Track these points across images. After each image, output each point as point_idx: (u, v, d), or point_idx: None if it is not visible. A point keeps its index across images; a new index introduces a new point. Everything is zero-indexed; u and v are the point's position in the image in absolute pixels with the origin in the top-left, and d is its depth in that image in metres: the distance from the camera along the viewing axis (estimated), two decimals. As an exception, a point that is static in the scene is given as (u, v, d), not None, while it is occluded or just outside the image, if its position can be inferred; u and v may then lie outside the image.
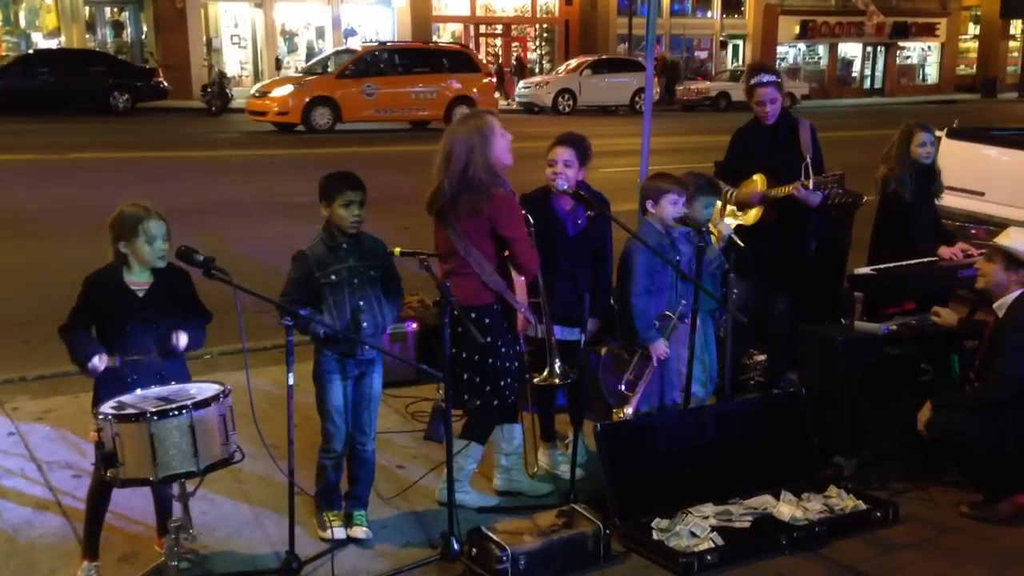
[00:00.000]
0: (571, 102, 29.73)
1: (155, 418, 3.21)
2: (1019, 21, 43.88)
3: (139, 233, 3.66)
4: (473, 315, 4.18)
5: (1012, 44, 46.25)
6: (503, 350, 4.29)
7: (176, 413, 3.24)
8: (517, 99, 30.85)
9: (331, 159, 15.32)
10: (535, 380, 4.47)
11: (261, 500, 4.48)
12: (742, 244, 4.91)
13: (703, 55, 40.11)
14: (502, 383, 4.30)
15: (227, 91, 26.61)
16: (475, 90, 23.92)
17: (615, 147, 15.80)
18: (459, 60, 24.71)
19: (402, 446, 5.15)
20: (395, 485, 4.67)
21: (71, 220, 10.25)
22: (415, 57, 24.50)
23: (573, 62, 31.90)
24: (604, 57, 32.36)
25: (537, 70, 35.15)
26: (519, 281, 4.32)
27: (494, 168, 4.14)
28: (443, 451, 4.08)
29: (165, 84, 26.27)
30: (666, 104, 31.80)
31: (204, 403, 3.32)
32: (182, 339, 3.74)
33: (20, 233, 10.31)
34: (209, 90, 26.35)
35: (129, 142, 18.52)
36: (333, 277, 4.00)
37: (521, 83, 31.71)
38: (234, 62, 32.29)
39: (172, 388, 3.49)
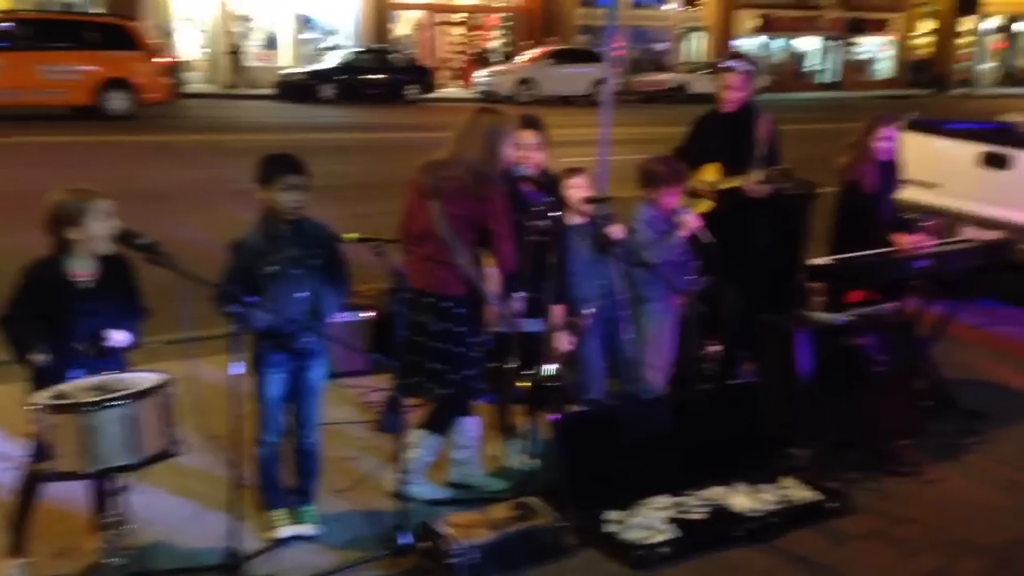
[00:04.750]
0: (531, 91, 29.65)
1: (91, 409, 3.08)
2: (971, 18, 44.44)
3: (89, 214, 3.52)
4: (444, 304, 4.12)
5: (964, 41, 46.89)
6: (469, 340, 4.22)
7: (114, 404, 3.11)
8: (477, 87, 30.70)
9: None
10: (521, 378, 4.39)
11: (204, 494, 4.34)
12: (710, 239, 4.80)
13: (662, 47, 40.17)
14: (466, 372, 4.22)
15: (180, 76, 26.12)
16: (134, 72, 19.73)
17: (575, 136, 15.70)
18: (114, 36, 19.94)
19: (355, 437, 5.05)
20: (346, 477, 4.58)
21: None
22: (51, 30, 19.84)
23: (535, 51, 31.81)
24: (565, 47, 32.30)
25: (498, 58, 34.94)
26: (492, 272, 4.24)
27: (501, 168, 4.13)
28: (396, 442, 3.98)
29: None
30: (624, 95, 31.82)
31: (143, 393, 3.19)
32: (121, 337, 3.60)
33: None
34: (162, 74, 25.79)
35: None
36: (272, 267, 3.83)
37: (482, 72, 31.55)
38: (189, 46, 31.72)
39: (111, 377, 3.35)
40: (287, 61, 32.24)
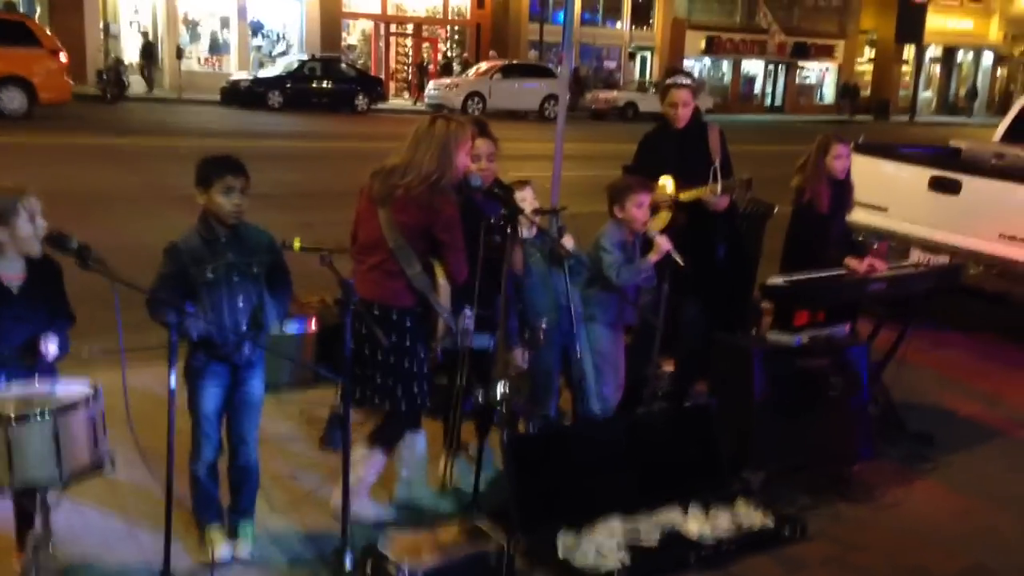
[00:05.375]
0: (481, 105, 29.61)
1: (13, 422, 2.87)
2: (912, 47, 45.50)
3: (18, 212, 3.31)
4: (394, 316, 3.97)
5: (904, 68, 48.00)
6: (421, 355, 4.07)
7: (38, 417, 2.91)
8: (427, 100, 30.58)
9: None
10: (480, 399, 4.24)
11: (137, 511, 4.12)
12: (681, 263, 4.68)
13: (612, 65, 40.47)
14: (415, 387, 4.07)
15: (124, 78, 25.64)
16: (34, 71, 18.84)
17: (525, 151, 15.69)
18: (13, 32, 19.02)
19: (296, 453, 4.85)
20: (287, 495, 4.39)
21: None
22: None
23: (484, 65, 31.83)
24: (515, 62, 32.37)
25: (455, 70, 34.86)
26: (444, 285, 4.08)
27: (455, 177, 3.98)
28: (340, 459, 3.81)
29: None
30: (575, 112, 31.97)
31: (70, 406, 2.99)
32: (52, 347, 3.39)
33: None
34: (104, 77, 25.34)
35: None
36: (210, 274, 3.62)
37: (431, 84, 31.45)
38: (133, 49, 31.15)
39: (35, 388, 3.14)
40: (235, 67, 31.82)
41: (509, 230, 4.07)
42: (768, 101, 45.00)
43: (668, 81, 5.49)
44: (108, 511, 4.15)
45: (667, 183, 5.27)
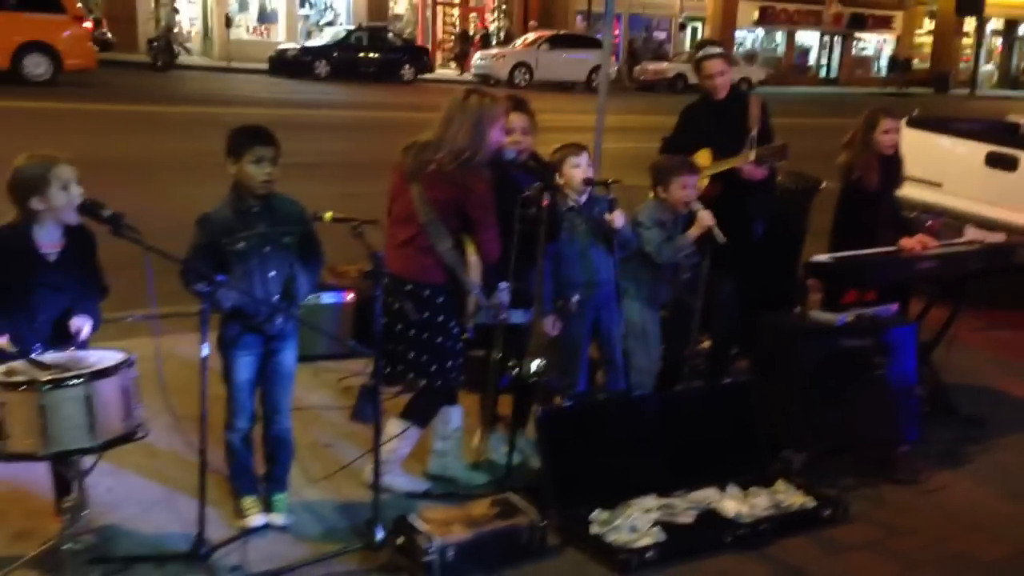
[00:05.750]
0: (527, 76, 29.40)
1: (47, 387, 2.89)
2: (973, 19, 44.29)
3: (52, 181, 3.32)
4: (425, 292, 3.93)
5: (965, 41, 46.77)
6: (454, 330, 4.03)
7: (71, 383, 2.92)
8: (473, 70, 30.43)
9: None
10: (505, 369, 4.20)
11: (175, 478, 4.14)
12: (723, 239, 4.59)
13: (661, 36, 39.93)
14: (449, 363, 4.04)
15: (174, 47, 25.83)
16: (59, 36, 18.62)
17: (572, 123, 15.54)
18: None
19: (333, 424, 4.86)
20: (322, 465, 4.39)
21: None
22: None
23: (531, 36, 31.54)
24: (562, 32, 32.04)
25: (494, 41, 34.60)
26: (475, 261, 4.03)
27: (488, 153, 3.91)
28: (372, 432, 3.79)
29: (109, 35, 25.38)
30: (624, 84, 31.62)
31: (104, 372, 2.99)
32: (84, 327, 3.39)
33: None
34: (155, 44, 25.55)
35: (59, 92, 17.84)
36: (241, 244, 3.61)
37: (478, 54, 31.27)
38: (184, 17, 31.36)
39: (70, 355, 3.15)
40: (283, 36, 31.91)
41: (544, 203, 3.99)
42: (823, 73, 44.13)
43: (699, 54, 5.39)
44: (148, 478, 4.18)
45: (700, 156, 5.16)
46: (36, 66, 18.57)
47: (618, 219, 4.45)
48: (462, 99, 3.97)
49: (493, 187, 3.95)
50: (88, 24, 19.42)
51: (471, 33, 34.89)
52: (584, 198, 4.53)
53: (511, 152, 4.10)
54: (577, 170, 4.46)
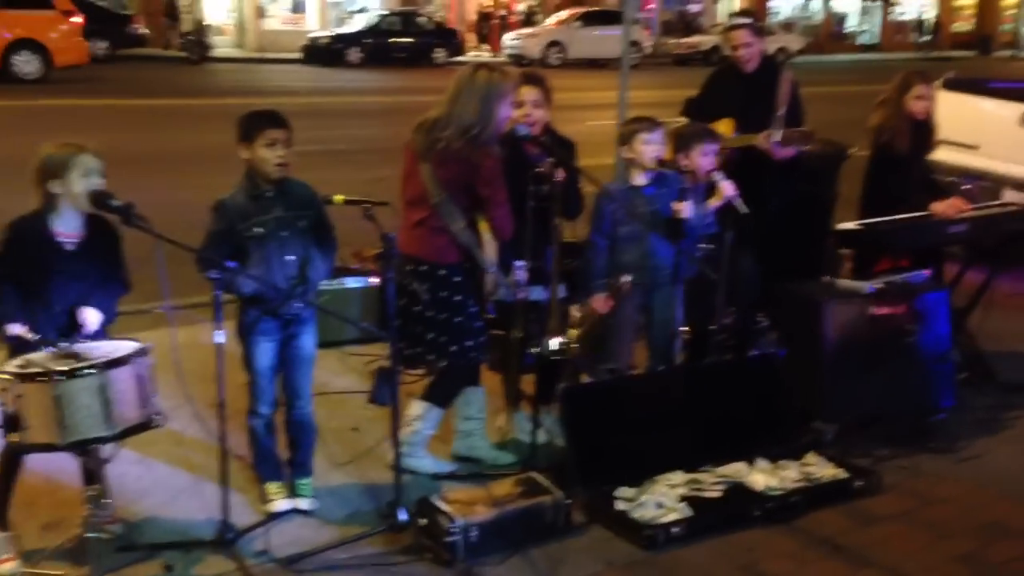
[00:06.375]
0: (560, 55, 29.20)
1: (62, 378, 2.91)
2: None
3: (72, 167, 3.35)
4: (440, 272, 3.91)
5: (1006, 2, 45.62)
6: (471, 309, 4.01)
7: (85, 373, 2.94)
8: (506, 50, 30.29)
9: None
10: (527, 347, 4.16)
11: (202, 466, 4.16)
12: (745, 210, 4.47)
13: (696, 8, 39.41)
14: (468, 343, 4.01)
15: (206, 40, 26.04)
16: (48, 33, 18.48)
17: (603, 100, 15.37)
18: None
19: (357, 408, 4.85)
20: (347, 449, 4.40)
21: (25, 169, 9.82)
22: None
23: (563, 13, 31.30)
24: (595, 9, 31.74)
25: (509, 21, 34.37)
26: (489, 239, 4.00)
27: (497, 129, 3.86)
28: (392, 414, 3.78)
29: (144, 31, 25.64)
30: (659, 57, 31.30)
31: (118, 362, 3.01)
32: (91, 319, 3.41)
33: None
34: (189, 38, 25.77)
35: (105, 89, 18.04)
36: (258, 230, 3.61)
37: (510, 34, 31.11)
38: (217, 10, 31.58)
39: (85, 345, 3.18)
40: (315, 25, 32.01)
41: (559, 179, 3.93)
42: (863, 40, 43.29)
43: (728, 24, 5.29)
44: (175, 466, 4.22)
45: (721, 125, 5.05)
46: (26, 64, 18.41)
47: (687, 209, 4.33)
48: (470, 74, 3.92)
49: (505, 164, 3.90)
50: (78, 19, 19.01)
51: (503, 14, 34.65)
52: (649, 178, 4.42)
53: (524, 128, 4.05)
54: (648, 147, 4.32)
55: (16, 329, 3.27)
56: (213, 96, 18.59)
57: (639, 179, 4.42)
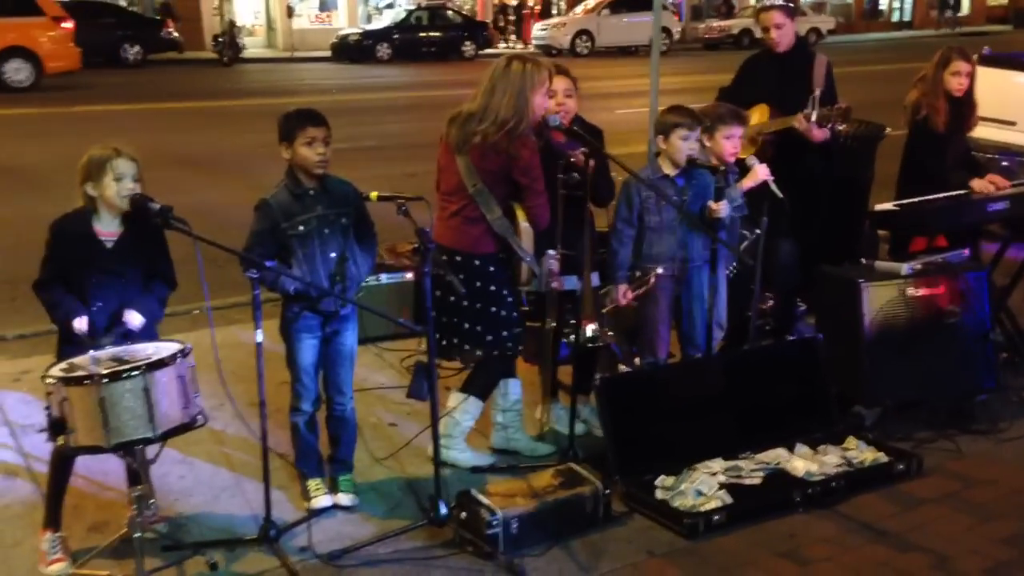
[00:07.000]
0: (589, 43, 29.08)
1: (105, 381, 2.96)
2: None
3: (107, 171, 3.41)
4: (476, 263, 3.93)
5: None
6: (508, 299, 4.02)
7: (128, 375, 2.98)
8: (534, 41, 30.22)
9: None
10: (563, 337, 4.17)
11: (243, 464, 4.23)
12: (780, 194, 4.40)
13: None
14: (505, 333, 4.03)
15: (238, 41, 26.25)
16: (40, 40, 18.37)
17: (632, 87, 15.37)
18: (13, 1, 18.32)
19: (397, 403, 4.89)
20: (387, 444, 4.43)
21: (73, 174, 9.98)
22: None
23: (591, 1, 31.15)
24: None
25: (555, 12, 34.24)
26: (526, 229, 4.01)
27: (533, 120, 3.87)
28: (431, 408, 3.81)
29: (176, 35, 25.91)
30: (688, 43, 31.09)
31: (159, 364, 3.05)
32: (134, 319, 3.46)
33: (19, 187, 10.07)
34: (220, 40, 26.00)
35: (138, 94, 18.25)
36: (301, 228, 3.66)
37: (538, 24, 31.02)
38: (246, 11, 31.83)
39: (127, 348, 3.23)
40: (344, 22, 32.14)
41: (590, 169, 3.92)
42: (896, 16, 42.63)
43: (759, 5, 5.22)
44: (218, 465, 4.27)
45: (755, 112, 5.01)
46: (17, 72, 18.28)
47: (723, 209, 4.26)
48: (504, 66, 3.93)
49: (539, 153, 3.91)
50: (69, 24, 18.72)
51: (516, 3, 34.48)
52: (679, 171, 4.35)
53: (555, 118, 4.05)
54: (685, 143, 4.26)
55: (83, 324, 3.34)
56: (244, 97, 18.76)
57: (669, 170, 4.38)
